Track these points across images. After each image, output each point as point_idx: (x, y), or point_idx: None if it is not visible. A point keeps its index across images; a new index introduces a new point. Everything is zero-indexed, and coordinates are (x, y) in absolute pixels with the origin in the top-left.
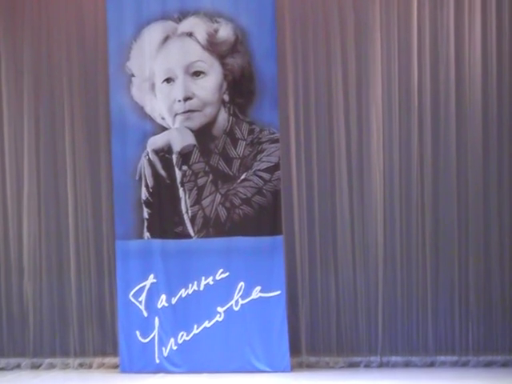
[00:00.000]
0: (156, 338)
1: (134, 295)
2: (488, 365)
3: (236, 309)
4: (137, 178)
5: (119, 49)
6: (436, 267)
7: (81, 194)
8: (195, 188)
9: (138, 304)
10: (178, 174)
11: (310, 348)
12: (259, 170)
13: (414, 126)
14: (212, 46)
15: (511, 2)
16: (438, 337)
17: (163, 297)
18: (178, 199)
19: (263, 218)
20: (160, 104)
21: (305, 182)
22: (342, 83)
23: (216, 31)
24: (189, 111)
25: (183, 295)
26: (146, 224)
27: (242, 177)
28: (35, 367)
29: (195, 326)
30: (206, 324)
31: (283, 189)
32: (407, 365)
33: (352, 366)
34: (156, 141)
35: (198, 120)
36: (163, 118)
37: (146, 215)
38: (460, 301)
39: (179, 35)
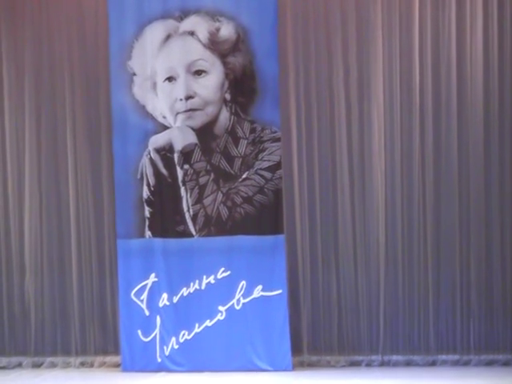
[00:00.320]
0: (157, 336)
1: (135, 294)
2: (489, 364)
3: (237, 308)
4: (138, 176)
5: (120, 47)
6: (437, 266)
7: (82, 193)
8: (197, 187)
9: (139, 303)
10: (180, 173)
11: (311, 347)
12: (261, 168)
13: (415, 126)
14: (213, 44)
15: None
16: (439, 336)
17: (165, 296)
18: (180, 198)
19: (265, 216)
20: (161, 103)
21: (306, 181)
22: (343, 82)
23: (217, 30)
24: (190, 110)
25: (185, 294)
26: (147, 223)
27: (244, 176)
28: (36, 366)
29: (197, 325)
30: (208, 323)
31: (285, 188)
32: (408, 364)
33: (353, 364)
34: (157, 139)
35: (199, 119)
36: (165, 117)
37: (147, 214)
38: (461, 300)
39: (181, 34)
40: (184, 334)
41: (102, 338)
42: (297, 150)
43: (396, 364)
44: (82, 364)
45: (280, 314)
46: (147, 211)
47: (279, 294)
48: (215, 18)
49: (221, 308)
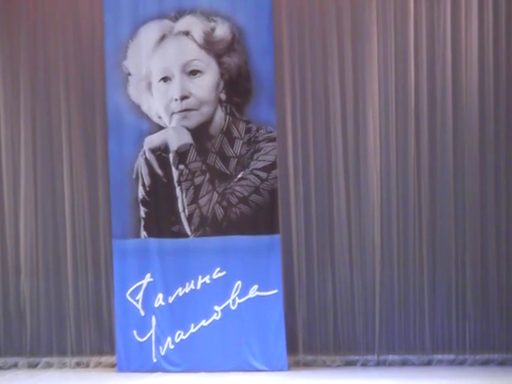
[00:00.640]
0: (153, 336)
1: (130, 294)
2: (485, 363)
3: (233, 308)
4: (133, 176)
5: (116, 48)
6: (433, 266)
7: (77, 193)
8: (192, 187)
9: (134, 303)
10: (175, 173)
11: (307, 347)
12: (256, 168)
13: (410, 125)
14: (209, 44)
15: (508, 0)
16: (435, 335)
17: (160, 296)
18: (175, 198)
19: (260, 216)
20: (157, 103)
21: (302, 181)
22: (338, 82)
23: (213, 30)
24: (185, 110)
25: (180, 294)
26: (142, 223)
27: (239, 176)
28: (32, 366)
29: (192, 325)
30: (203, 323)
31: (280, 187)
32: (404, 363)
33: (349, 364)
34: (153, 140)
35: (194, 119)
36: (160, 117)
37: (142, 214)
38: (457, 300)
39: (176, 34)
40: (180, 334)
41: (97, 339)
42: (292, 149)
43: (392, 364)
44: (78, 364)
45: (275, 314)
46: (142, 211)
47: (275, 293)
48: (210, 18)
49: (216, 308)
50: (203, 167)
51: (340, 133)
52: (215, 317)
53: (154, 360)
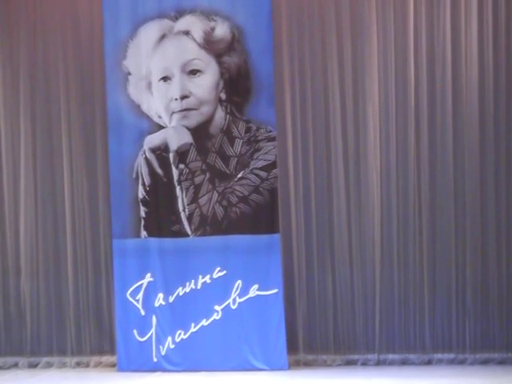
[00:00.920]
0: (153, 336)
1: (131, 294)
2: (485, 362)
3: (233, 307)
4: (134, 176)
5: (115, 47)
6: (433, 265)
7: (77, 192)
8: (192, 186)
9: (135, 303)
10: (175, 173)
11: (307, 346)
12: (256, 168)
13: (410, 125)
14: (209, 44)
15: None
16: (435, 335)
17: (160, 295)
18: (175, 198)
19: (260, 216)
20: (157, 102)
21: (302, 180)
22: (338, 81)
23: (212, 29)
24: (185, 110)
25: (180, 294)
26: (142, 223)
27: (239, 175)
28: (32, 366)
29: (192, 325)
30: (204, 322)
31: (280, 187)
32: (404, 363)
33: (349, 363)
34: (153, 139)
35: (194, 118)
36: (160, 117)
37: (142, 214)
38: (457, 299)
39: (176, 34)
40: (180, 334)
41: (97, 338)
42: (292, 149)
43: (392, 363)
44: (78, 364)
45: (276, 313)
46: (143, 211)
47: (275, 293)
48: (210, 18)
49: (217, 307)
50: (203, 167)
51: (340, 132)
52: (215, 316)
53: (155, 359)
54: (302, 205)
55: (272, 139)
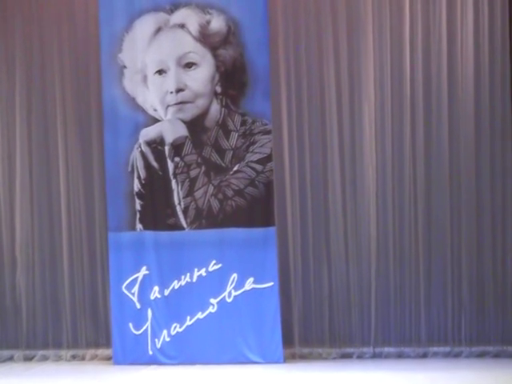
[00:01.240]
0: (149, 329)
1: (126, 287)
2: (480, 355)
3: (229, 300)
4: (129, 169)
5: (111, 40)
6: (428, 259)
7: (73, 185)
8: (188, 180)
9: (130, 296)
10: (171, 166)
11: (302, 339)
12: (252, 161)
13: (406, 119)
14: (204, 37)
15: None
16: (430, 328)
17: (156, 288)
18: (171, 191)
19: (256, 209)
20: (152, 95)
21: (297, 173)
22: (334, 74)
23: (208, 22)
24: (181, 103)
25: (176, 287)
26: (138, 216)
27: (235, 168)
28: (28, 359)
29: (188, 318)
30: (199, 315)
31: (276, 180)
32: (400, 356)
33: (345, 357)
34: (148, 132)
35: (190, 111)
36: (155, 110)
37: (138, 207)
38: (452, 292)
39: (171, 27)
40: (175, 327)
41: (93, 331)
42: (288, 142)
43: (387, 356)
44: (74, 357)
45: (271, 307)
46: (138, 204)
47: (270, 286)
48: (206, 11)
49: (212, 301)
50: (199, 160)
51: (336, 125)
52: (211, 309)
53: (150, 352)
54: (297, 198)
55: (268, 132)
